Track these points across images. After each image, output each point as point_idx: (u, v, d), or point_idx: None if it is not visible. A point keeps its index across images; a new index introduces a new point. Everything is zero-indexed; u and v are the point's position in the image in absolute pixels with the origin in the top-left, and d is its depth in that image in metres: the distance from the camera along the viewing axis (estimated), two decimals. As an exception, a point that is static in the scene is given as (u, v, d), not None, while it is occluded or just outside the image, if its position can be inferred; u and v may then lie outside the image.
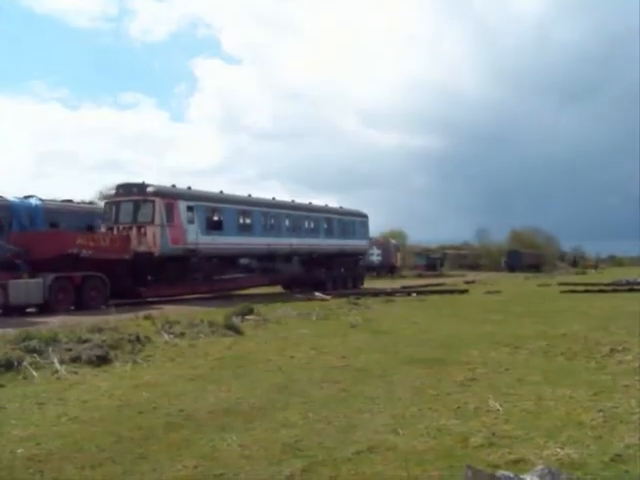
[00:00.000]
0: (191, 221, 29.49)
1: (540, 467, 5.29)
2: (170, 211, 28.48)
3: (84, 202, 41.10)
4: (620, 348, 12.21)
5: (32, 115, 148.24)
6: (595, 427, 7.05)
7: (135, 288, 27.36)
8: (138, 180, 29.38)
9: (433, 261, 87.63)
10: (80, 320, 17.08)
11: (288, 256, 37.08)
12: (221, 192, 33.19)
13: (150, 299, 27.82)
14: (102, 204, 52.16)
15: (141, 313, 19.38)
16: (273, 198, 36.74)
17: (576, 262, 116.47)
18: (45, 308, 22.47)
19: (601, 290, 32.28)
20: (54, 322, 17.27)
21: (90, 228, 28.24)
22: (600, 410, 7.75)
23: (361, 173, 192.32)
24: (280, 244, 35.30)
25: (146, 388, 9.77)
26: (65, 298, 23.44)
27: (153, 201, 28.12)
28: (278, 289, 36.96)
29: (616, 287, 34.54)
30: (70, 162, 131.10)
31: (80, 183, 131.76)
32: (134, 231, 27.77)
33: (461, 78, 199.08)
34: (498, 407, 8.01)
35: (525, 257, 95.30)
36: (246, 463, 6.21)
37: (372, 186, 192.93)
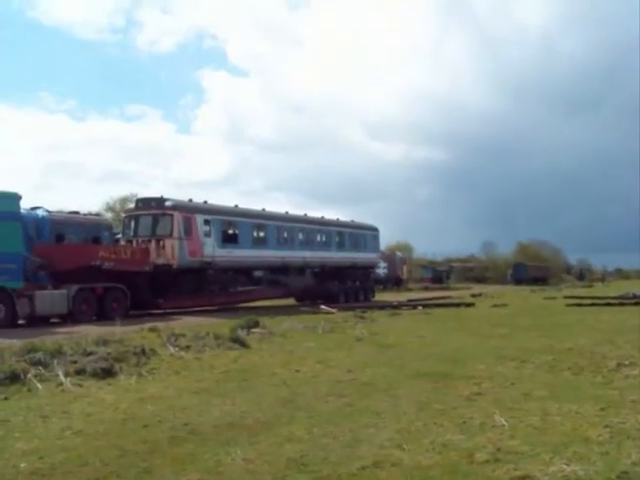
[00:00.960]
0: (208, 234, 30.24)
1: (546, 484, 5.27)
2: (188, 224, 29.21)
3: (91, 213, 41.30)
4: (627, 362, 12.14)
5: (38, 126, 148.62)
6: (602, 443, 6.99)
7: (154, 299, 27.96)
8: (146, 192, 30.45)
9: (439, 274, 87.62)
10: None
11: (301, 269, 37.90)
12: (236, 206, 33.88)
13: (169, 310, 28.21)
14: (108, 216, 52.78)
15: (151, 324, 19.82)
16: (286, 212, 37.45)
17: (583, 275, 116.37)
18: (69, 318, 22.98)
19: (608, 303, 32.15)
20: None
21: (96, 240, 28.48)
22: (607, 426, 7.69)
23: (366, 185, 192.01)
24: (293, 257, 36.05)
25: (151, 401, 9.75)
26: (88, 309, 24.24)
27: (172, 215, 28.88)
28: (286, 301, 37.11)
29: (623, 300, 34.38)
30: (76, 173, 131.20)
31: (86, 194, 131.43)
32: (153, 244, 28.51)
33: (465, 90, 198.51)
34: (504, 422, 7.96)
35: (531, 270, 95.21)
36: (250, 478, 6.18)
37: (377, 198, 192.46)
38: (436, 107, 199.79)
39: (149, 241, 28.77)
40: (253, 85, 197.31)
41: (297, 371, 12.52)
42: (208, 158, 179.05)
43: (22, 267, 22.04)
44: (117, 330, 16.41)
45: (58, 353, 12.60)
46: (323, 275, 39.44)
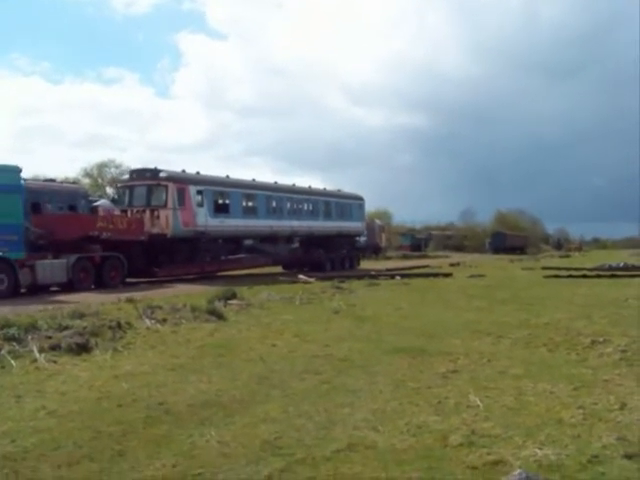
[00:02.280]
0: (200, 204, 31.13)
1: (518, 471, 5.31)
2: (182, 195, 30.09)
3: (67, 181, 40.90)
4: (601, 340, 12.22)
5: (12, 89, 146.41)
6: (574, 425, 7.04)
7: (149, 268, 29.11)
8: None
9: (418, 242, 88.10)
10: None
11: (289, 237, 39.27)
12: (227, 176, 34.70)
13: (163, 278, 29.32)
14: (85, 182, 52.49)
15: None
16: (275, 182, 38.55)
17: (560, 245, 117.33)
18: (68, 287, 23.98)
19: (584, 275, 32.40)
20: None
21: (72, 208, 28.45)
22: (580, 407, 7.74)
23: (346, 151, 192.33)
24: (282, 226, 37.15)
25: (126, 378, 9.68)
26: (86, 277, 25.20)
27: (166, 186, 29.80)
28: (269, 269, 37.26)
29: (599, 272, 34.68)
30: (53, 138, 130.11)
31: (63, 159, 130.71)
32: (147, 214, 29.44)
33: (446, 56, 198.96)
34: (478, 403, 7.99)
35: (510, 239, 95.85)
36: (225, 462, 6.16)
37: (357, 164, 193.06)
38: (417, 73, 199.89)
39: (143, 211, 29.55)
40: (233, 49, 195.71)
41: (273, 345, 12.51)
42: (187, 122, 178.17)
43: (23, 238, 22.68)
44: (94, 303, 16.32)
45: (33, 328, 12.49)
46: (310, 244, 40.70)
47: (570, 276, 31.97)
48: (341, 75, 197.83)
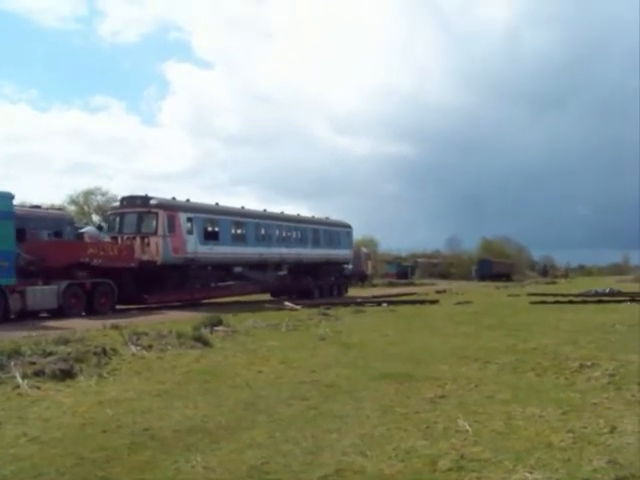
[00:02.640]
0: (190, 232, 31.39)
1: (509, 495, 5.22)
2: (172, 222, 30.32)
3: (53, 207, 40.77)
4: (589, 364, 12.20)
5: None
6: (564, 449, 6.97)
7: (139, 294, 29.13)
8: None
9: (404, 269, 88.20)
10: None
11: (278, 265, 39.33)
12: (217, 204, 34.97)
13: (153, 305, 29.48)
14: (71, 209, 52.53)
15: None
16: (264, 210, 39.01)
17: (546, 271, 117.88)
18: (58, 313, 24.03)
19: (571, 301, 32.47)
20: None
21: (58, 234, 28.38)
22: (569, 430, 7.68)
23: (332, 180, 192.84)
24: (271, 253, 37.42)
25: (111, 404, 9.54)
26: (77, 304, 25.19)
27: (156, 213, 30.01)
28: (256, 297, 37.17)
29: (585, 298, 34.77)
30: (39, 165, 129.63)
31: (49, 187, 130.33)
32: (138, 241, 29.57)
33: (432, 86, 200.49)
34: (467, 427, 7.92)
35: (496, 266, 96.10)
36: (210, 488, 6.06)
37: (343, 193, 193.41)
38: (403, 102, 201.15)
39: (134, 238, 29.70)
40: (219, 77, 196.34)
41: (260, 372, 12.39)
42: (173, 151, 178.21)
43: (14, 264, 22.62)
44: (79, 329, 16.14)
45: (16, 354, 12.30)
46: (299, 271, 40.81)
47: (557, 302, 32.04)
48: (327, 104, 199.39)
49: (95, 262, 26.29)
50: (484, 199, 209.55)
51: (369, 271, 69.22)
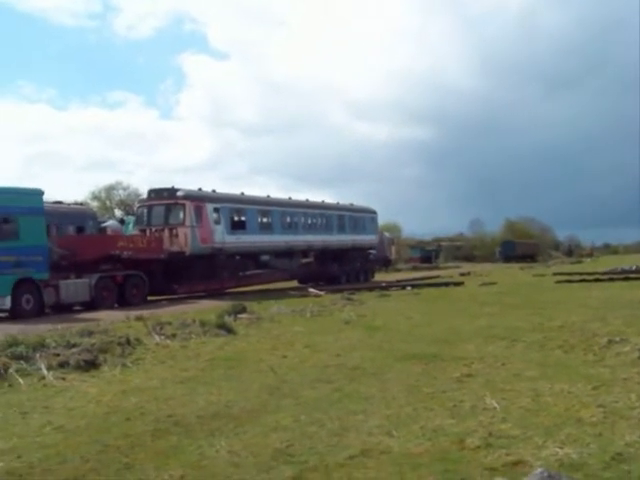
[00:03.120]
0: (217, 222, 31.67)
1: (539, 470, 5.09)
2: (199, 213, 30.58)
3: (76, 203, 41.06)
4: (618, 339, 11.99)
5: (19, 116, 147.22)
6: (595, 424, 6.83)
7: (169, 285, 29.42)
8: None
9: (428, 253, 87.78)
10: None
11: (305, 252, 39.55)
12: (242, 193, 35.20)
13: (182, 295, 29.85)
14: (94, 204, 52.93)
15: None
16: (289, 198, 38.96)
17: (571, 251, 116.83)
18: (91, 305, 24.39)
19: (597, 279, 32.10)
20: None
21: (80, 229, 28.61)
22: (600, 405, 7.54)
23: (353, 166, 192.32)
24: (297, 241, 37.54)
25: (134, 393, 9.52)
26: (109, 296, 25.48)
27: (184, 204, 30.25)
28: (280, 285, 37.19)
29: (612, 276, 34.35)
30: (60, 163, 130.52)
31: (71, 183, 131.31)
32: (166, 232, 29.80)
33: (449, 68, 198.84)
34: (495, 405, 7.79)
35: (520, 247, 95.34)
36: (234, 471, 5.98)
37: (363, 179, 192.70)
38: (420, 86, 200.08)
39: (162, 230, 29.96)
40: (235, 68, 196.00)
41: (284, 357, 12.32)
42: (192, 143, 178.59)
43: (48, 259, 23.18)
44: (102, 321, 16.18)
45: (41, 346, 12.33)
46: (325, 257, 40.82)
47: (582, 280, 31.69)
48: (344, 90, 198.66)
49: (125, 254, 26.53)
50: (505, 181, 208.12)
51: (393, 256, 69.08)
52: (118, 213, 63.26)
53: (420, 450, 6.30)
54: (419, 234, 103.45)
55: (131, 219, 34.75)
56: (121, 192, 70.60)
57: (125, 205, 68.18)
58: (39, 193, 23.57)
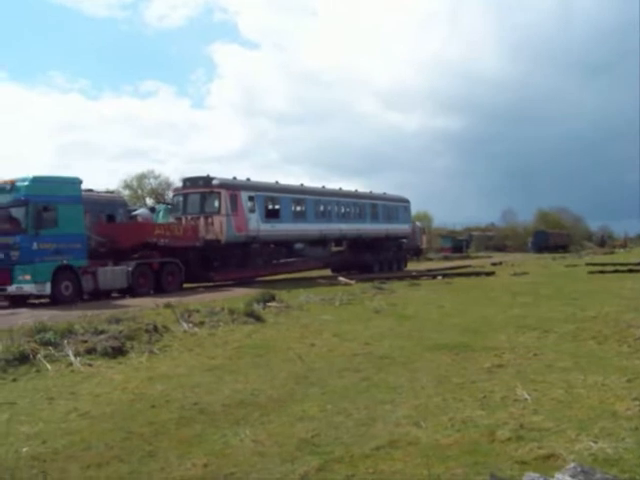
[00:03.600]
0: (252, 210, 31.72)
1: (572, 465, 4.89)
2: (234, 201, 30.66)
3: (108, 191, 41.28)
4: (653, 331, 11.72)
5: (52, 106, 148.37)
6: (630, 418, 6.62)
7: (205, 273, 29.58)
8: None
9: (459, 243, 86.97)
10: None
11: (338, 240, 39.61)
12: (277, 182, 35.20)
13: (218, 283, 30.01)
14: (125, 193, 53.31)
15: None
16: (323, 186, 39.06)
17: (604, 242, 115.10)
18: (128, 292, 24.71)
19: (630, 270, 31.54)
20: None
21: (111, 217, 28.79)
22: (635, 398, 7.31)
23: (383, 155, 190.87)
24: (331, 229, 37.37)
25: (161, 380, 9.48)
26: (145, 283, 25.71)
27: (219, 193, 30.40)
28: (313, 273, 37.18)
29: (646, 266, 33.70)
30: (92, 152, 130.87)
31: (103, 172, 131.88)
32: (202, 220, 30.04)
33: (480, 56, 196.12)
34: (526, 396, 7.61)
35: (552, 237, 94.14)
36: (259, 461, 5.89)
37: (395, 168, 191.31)
38: (451, 75, 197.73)
39: (198, 218, 30.18)
40: (266, 58, 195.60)
41: (312, 345, 12.22)
42: (224, 132, 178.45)
43: (86, 246, 23.55)
44: (131, 308, 16.18)
45: (69, 332, 12.32)
46: (358, 246, 40.69)
47: (616, 271, 31.17)
48: (375, 80, 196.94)
49: (162, 242, 26.81)
50: (535, 170, 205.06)
51: (424, 245, 68.59)
52: (149, 202, 63.46)
53: (449, 442, 6.15)
54: (450, 224, 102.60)
55: (162, 207, 34.79)
56: (152, 181, 70.79)
57: (156, 194, 68.37)
58: (77, 182, 23.82)
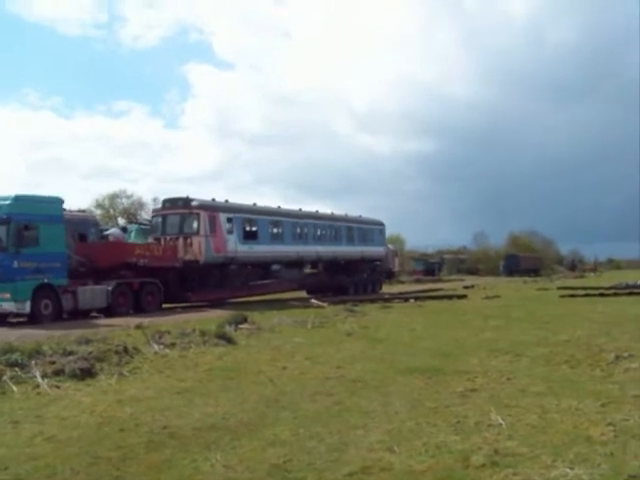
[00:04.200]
0: (230, 231, 32.03)
1: (549, 492, 4.84)
2: (213, 223, 30.92)
3: (79, 210, 40.87)
4: (626, 355, 11.76)
5: (24, 123, 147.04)
6: (605, 443, 6.57)
7: (183, 293, 29.64)
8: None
9: (431, 266, 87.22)
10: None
11: (314, 262, 40.19)
12: (254, 204, 35.66)
13: (195, 303, 29.83)
14: (97, 212, 52.97)
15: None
16: (300, 209, 39.44)
17: (574, 265, 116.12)
18: (107, 312, 24.62)
19: (602, 294, 31.79)
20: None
21: (83, 236, 28.47)
22: (609, 423, 7.28)
23: (356, 178, 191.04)
24: (307, 251, 37.84)
25: (130, 403, 9.29)
26: (125, 302, 25.75)
27: (198, 214, 30.64)
28: (281, 295, 37.06)
29: (617, 291, 34.03)
30: (64, 170, 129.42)
31: (75, 191, 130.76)
32: (181, 241, 30.08)
33: (454, 80, 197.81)
34: (500, 421, 7.54)
35: (523, 261, 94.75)
36: (229, 487, 5.75)
37: (368, 191, 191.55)
38: (425, 98, 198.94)
39: (177, 238, 30.26)
40: (241, 78, 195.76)
41: (284, 368, 12.08)
42: (197, 153, 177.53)
43: (66, 265, 23.47)
44: (101, 329, 15.94)
45: (36, 353, 12.08)
46: (334, 268, 41.21)
47: (587, 295, 31.40)
48: (349, 102, 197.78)
49: (142, 262, 26.86)
50: (508, 194, 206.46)
51: (396, 268, 68.69)
52: (121, 221, 62.96)
53: (423, 468, 6.06)
54: (422, 247, 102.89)
55: (134, 227, 34.64)
56: (124, 200, 70.29)
57: (128, 213, 67.90)
58: (59, 201, 23.88)
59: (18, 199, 22.14)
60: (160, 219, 31.85)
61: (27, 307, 21.74)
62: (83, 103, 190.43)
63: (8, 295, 21.43)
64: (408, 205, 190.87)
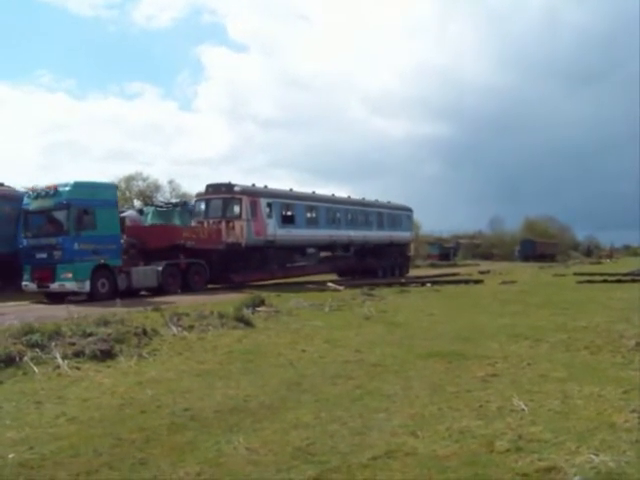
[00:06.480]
0: (270, 216, 33.77)
1: (577, 479, 4.81)
2: (254, 207, 32.77)
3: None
4: (647, 341, 11.65)
5: (38, 105, 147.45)
6: (630, 430, 6.52)
7: (227, 274, 31.36)
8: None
9: (446, 251, 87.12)
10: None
11: (346, 246, 41.19)
12: (291, 190, 37.29)
13: (237, 284, 31.15)
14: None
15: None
16: (332, 194, 41.08)
17: (590, 251, 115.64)
18: (158, 291, 26.22)
19: (619, 280, 31.61)
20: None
21: None
22: (633, 410, 7.22)
23: (370, 162, 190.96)
24: (340, 235, 39.41)
25: (150, 385, 9.31)
26: (174, 282, 27.27)
27: (240, 199, 32.33)
28: (310, 278, 37.35)
29: (634, 277, 33.79)
30: (78, 153, 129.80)
31: (90, 173, 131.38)
32: (223, 225, 31.74)
33: (469, 64, 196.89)
34: (523, 406, 7.50)
35: (539, 246, 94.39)
36: (253, 470, 5.75)
37: (382, 175, 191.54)
38: (439, 82, 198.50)
39: (219, 222, 31.80)
40: (254, 61, 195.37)
41: (303, 351, 12.09)
42: (210, 135, 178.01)
43: (120, 247, 25.17)
44: (119, 310, 15.97)
45: (56, 334, 12.11)
46: (364, 252, 42.34)
47: (604, 281, 31.22)
48: (363, 86, 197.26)
49: (189, 244, 28.36)
50: (524, 179, 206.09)
51: (411, 252, 68.55)
52: (137, 203, 63.05)
53: (447, 452, 6.04)
54: (437, 231, 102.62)
55: (150, 209, 34.87)
56: (140, 183, 70.44)
57: (144, 196, 67.96)
58: (113, 187, 25.99)
59: (77, 185, 23.57)
60: (203, 203, 33.40)
61: (87, 286, 23.28)
62: (96, 84, 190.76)
63: (70, 275, 22.99)
64: (423, 189, 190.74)
